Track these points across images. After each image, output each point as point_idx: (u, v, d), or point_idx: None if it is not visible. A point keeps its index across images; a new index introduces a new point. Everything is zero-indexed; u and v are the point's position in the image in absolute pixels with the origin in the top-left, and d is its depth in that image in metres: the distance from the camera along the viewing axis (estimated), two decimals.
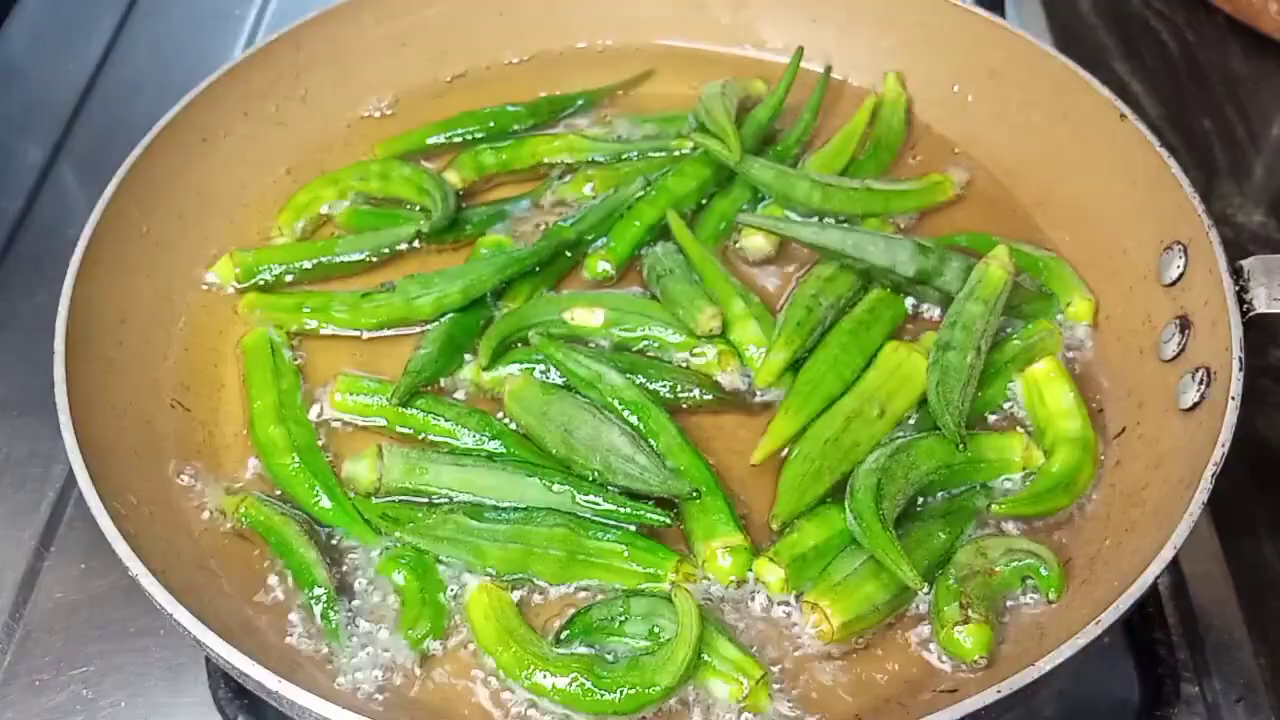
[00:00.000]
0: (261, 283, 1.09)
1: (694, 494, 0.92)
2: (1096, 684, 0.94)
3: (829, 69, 1.25)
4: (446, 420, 0.98)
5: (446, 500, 0.94)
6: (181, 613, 0.78)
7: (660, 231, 1.13)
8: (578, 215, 1.13)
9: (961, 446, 0.94)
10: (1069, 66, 1.12)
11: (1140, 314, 1.02)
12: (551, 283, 1.10)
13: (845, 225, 1.12)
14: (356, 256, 1.11)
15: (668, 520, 0.92)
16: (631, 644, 0.86)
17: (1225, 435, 0.85)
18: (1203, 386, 0.91)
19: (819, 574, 0.89)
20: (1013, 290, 1.02)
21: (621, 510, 0.92)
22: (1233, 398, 0.86)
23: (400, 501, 0.94)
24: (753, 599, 0.89)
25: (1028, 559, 0.88)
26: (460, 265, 1.09)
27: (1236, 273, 0.93)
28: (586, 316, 1.05)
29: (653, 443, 0.96)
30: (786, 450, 0.97)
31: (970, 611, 0.85)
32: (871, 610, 0.87)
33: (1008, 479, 0.95)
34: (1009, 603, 0.88)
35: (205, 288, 1.09)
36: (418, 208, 1.16)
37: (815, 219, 1.13)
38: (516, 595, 0.89)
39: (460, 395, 1.02)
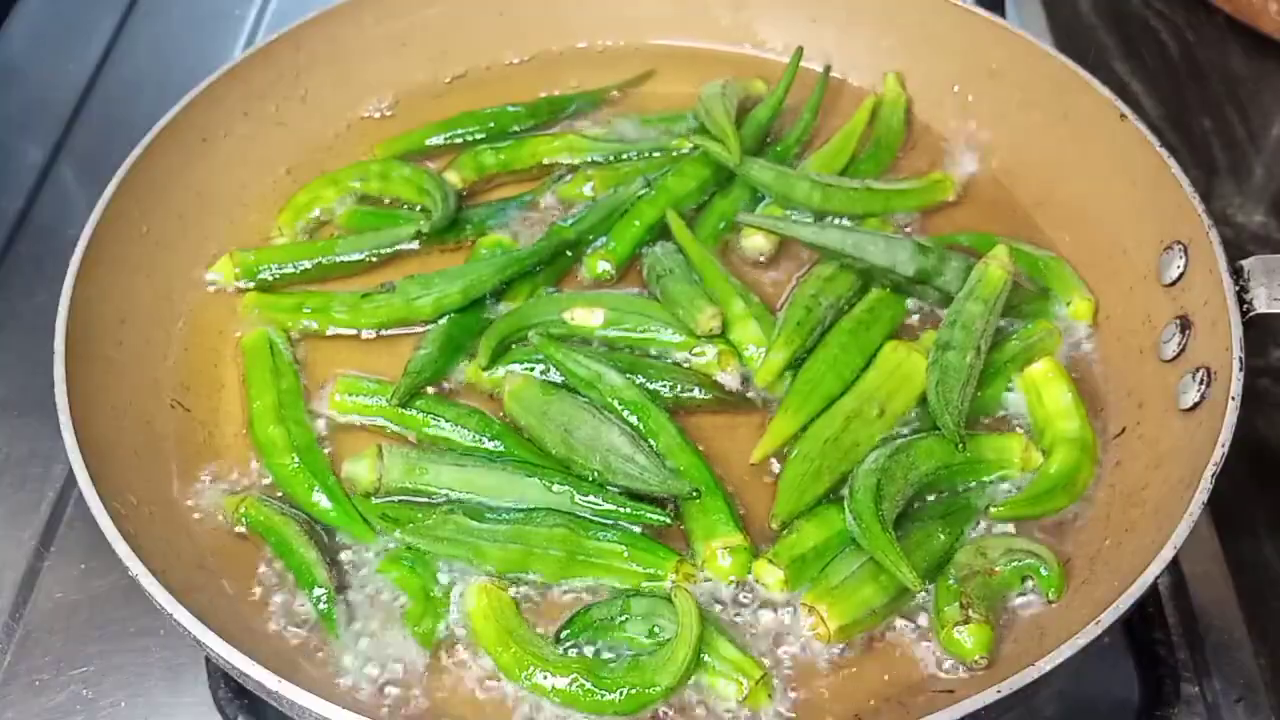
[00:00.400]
0: (261, 283, 1.10)
1: (694, 494, 0.92)
2: (1096, 684, 0.94)
3: (828, 69, 1.25)
4: (446, 420, 0.98)
5: (446, 500, 0.94)
6: (181, 613, 0.78)
7: (660, 231, 1.13)
8: (578, 215, 1.13)
9: (961, 447, 0.93)
10: (1069, 66, 1.11)
11: (1140, 314, 1.02)
12: (551, 282, 1.10)
13: (845, 225, 1.12)
14: (356, 256, 1.11)
15: (668, 520, 0.92)
16: (631, 644, 0.86)
17: (1225, 435, 0.85)
18: (1203, 386, 0.91)
19: (818, 575, 0.89)
20: (1013, 290, 1.02)
21: (621, 510, 0.92)
22: (1233, 398, 0.86)
23: (400, 501, 0.94)
24: (753, 599, 0.89)
25: (1028, 559, 0.88)
26: (460, 265, 1.09)
27: (1236, 273, 0.93)
28: (586, 316, 1.05)
29: (653, 443, 0.96)
30: (786, 450, 0.97)
31: (970, 611, 0.85)
32: (869, 614, 0.87)
33: (1007, 479, 0.95)
34: (1009, 603, 0.88)
35: (205, 288, 1.09)
36: (418, 208, 1.16)
37: (815, 219, 1.13)
38: (516, 595, 0.89)
39: (460, 395, 1.02)
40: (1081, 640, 0.76)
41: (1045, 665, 0.76)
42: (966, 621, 0.85)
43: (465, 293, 1.06)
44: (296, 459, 0.96)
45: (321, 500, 0.94)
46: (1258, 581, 0.99)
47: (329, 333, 1.06)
